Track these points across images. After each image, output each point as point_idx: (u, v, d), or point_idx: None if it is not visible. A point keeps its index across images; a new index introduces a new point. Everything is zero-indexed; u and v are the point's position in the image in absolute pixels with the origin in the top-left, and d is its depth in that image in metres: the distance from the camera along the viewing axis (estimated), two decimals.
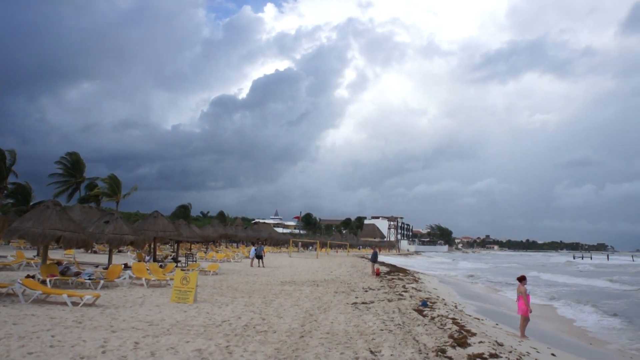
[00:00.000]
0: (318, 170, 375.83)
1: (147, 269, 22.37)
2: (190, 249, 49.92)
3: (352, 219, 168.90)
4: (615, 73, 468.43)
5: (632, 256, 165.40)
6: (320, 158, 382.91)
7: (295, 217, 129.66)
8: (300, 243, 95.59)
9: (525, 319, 14.38)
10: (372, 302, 18.04)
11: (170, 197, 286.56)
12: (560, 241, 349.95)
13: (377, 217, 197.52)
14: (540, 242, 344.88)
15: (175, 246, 38.17)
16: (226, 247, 68.55)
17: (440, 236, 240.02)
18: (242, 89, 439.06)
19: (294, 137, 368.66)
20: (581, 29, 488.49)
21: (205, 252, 49.21)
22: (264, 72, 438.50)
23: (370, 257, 36.83)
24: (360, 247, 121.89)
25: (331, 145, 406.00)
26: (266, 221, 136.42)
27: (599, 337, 17.07)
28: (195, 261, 33.96)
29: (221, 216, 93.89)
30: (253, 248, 39.50)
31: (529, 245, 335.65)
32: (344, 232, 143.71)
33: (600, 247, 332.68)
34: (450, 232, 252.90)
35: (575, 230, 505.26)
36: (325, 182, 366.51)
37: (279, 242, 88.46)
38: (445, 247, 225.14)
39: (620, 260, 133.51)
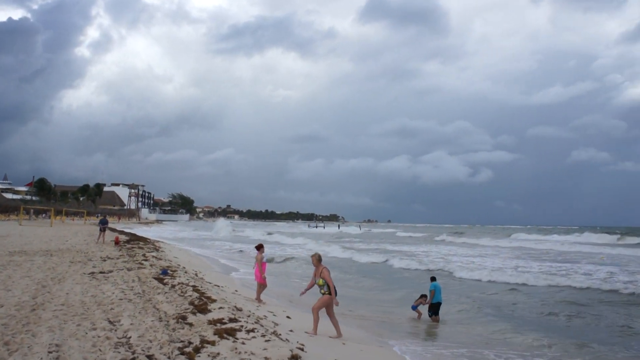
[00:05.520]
0: (51, 132, 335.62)
1: None
2: None
3: (91, 185, 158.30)
4: (352, 57, 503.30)
5: (360, 226, 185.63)
6: (54, 120, 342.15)
7: (28, 184, 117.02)
8: (32, 210, 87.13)
9: (262, 285, 15.23)
10: (111, 271, 17.33)
11: None
12: (297, 211, 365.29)
13: (118, 185, 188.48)
14: (278, 212, 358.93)
15: None
16: None
17: (182, 205, 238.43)
18: None
19: (25, 95, 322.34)
20: (325, 12, 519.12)
21: None
22: None
23: (99, 224, 35.37)
24: (99, 215, 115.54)
25: (67, 107, 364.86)
26: None
27: None
28: None
29: None
30: None
31: (268, 215, 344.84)
32: (81, 199, 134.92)
33: (333, 218, 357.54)
34: (192, 201, 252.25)
35: (309, 202, 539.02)
36: (59, 146, 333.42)
37: (8, 208, 79.88)
38: (187, 216, 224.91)
39: (348, 229, 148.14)
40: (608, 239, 68.80)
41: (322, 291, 11.08)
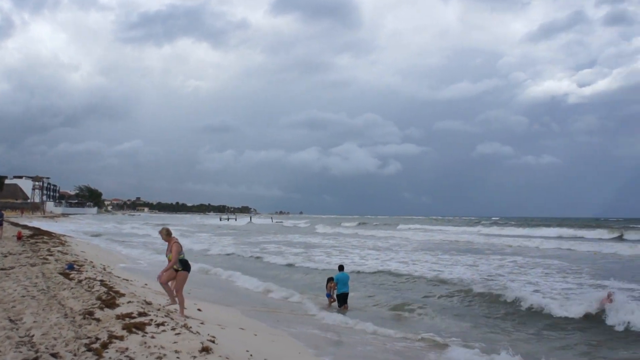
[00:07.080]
0: None
1: None
2: None
3: None
4: (263, 48, 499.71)
5: (272, 218, 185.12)
6: None
7: None
8: None
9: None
10: (13, 267, 16.38)
11: None
12: (209, 204, 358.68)
13: (20, 177, 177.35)
14: (189, 204, 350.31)
15: None
16: None
17: (89, 198, 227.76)
18: None
19: None
20: (238, 3, 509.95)
21: None
22: None
23: None
24: None
25: None
26: None
27: None
28: None
29: None
30: None
31: (179, 208, 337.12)
32: None
33: (245, 210, 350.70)
34: (100, 194, 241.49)
35: (220, 193, 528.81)
36: None
37: None
38: (95, 210, 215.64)
39: (260, 220, 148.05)
40: (508, 230, 71.73)
41: (175, 266, 10.76)
